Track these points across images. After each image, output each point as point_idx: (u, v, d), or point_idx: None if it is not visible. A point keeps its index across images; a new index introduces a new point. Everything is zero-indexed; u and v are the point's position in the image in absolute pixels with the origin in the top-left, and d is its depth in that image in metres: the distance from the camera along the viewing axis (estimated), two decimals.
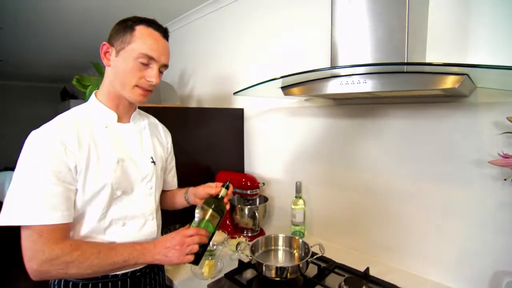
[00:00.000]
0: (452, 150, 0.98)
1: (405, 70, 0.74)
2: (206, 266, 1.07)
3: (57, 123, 0.76)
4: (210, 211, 0.84)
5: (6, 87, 5.00)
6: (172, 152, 1.04)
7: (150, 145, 0.89)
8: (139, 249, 0.75)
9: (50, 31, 2.21)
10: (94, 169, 0.75)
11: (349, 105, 1.23)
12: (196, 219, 0.83)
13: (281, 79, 0.90)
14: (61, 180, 0.71)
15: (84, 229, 0.77)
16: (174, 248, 0.76)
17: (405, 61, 0.73)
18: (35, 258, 0.67)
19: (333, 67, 0.77)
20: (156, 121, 1.01)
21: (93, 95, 0.86)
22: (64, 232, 0.71)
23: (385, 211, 1.14)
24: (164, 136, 1.00)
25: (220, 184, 0.92)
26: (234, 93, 1.13)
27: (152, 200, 0.88)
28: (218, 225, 0.85)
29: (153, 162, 0.88)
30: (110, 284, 0.81)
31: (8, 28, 2.11)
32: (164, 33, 0.82)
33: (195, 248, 0.78)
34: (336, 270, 1.08)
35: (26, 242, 0.69)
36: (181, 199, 1.02)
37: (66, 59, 3.39)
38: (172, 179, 1.08)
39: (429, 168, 1.03)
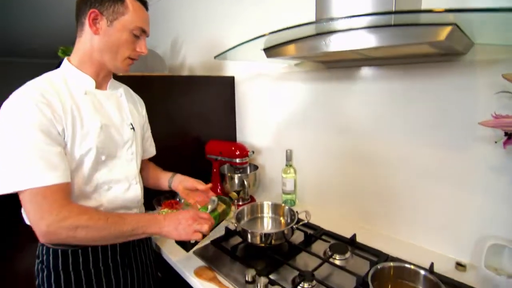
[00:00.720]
0: (446, 113, 0.92)
1: (392, 23, 0.66)
2: None
3: (37, 87, 0.72)
4: (224, 207, 0.87)
5: (5, 63, 4.94)
6: (147, 121, 1.03)
7: (128, 112, 0.89)
8: (148, 218, 0.75)
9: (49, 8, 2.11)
10: (79, 134, 0.74)
11: (339, 68, 1.17)
12: (209, 208, 0.85)
13: (262, 38, 0.83)
14: (54, 140, 0.70)
15: (71, 195, 0.76)
16: (187, 222, 0.77)
17: (393, 10, 0.65)
18: (43, 219, 0.66)
19: (310, 22, 0.70)
20: (130, 89, 1.00)
21: (66, 61, 0.83)
22: (67, 193, 0.70)
23: (376, 177, 1.12)
24: (140, 105, 1.00)
25: (209, 186, 0.97)
26: (215, 57, 1.07)
27: (134, 165, 0.88)
28: (216, 226, 0.86)
29: (133, 128, 0.88)
30: (100, 248, 0.81)
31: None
32: (146, 4, 0.84)
33: (205, 228, 0.78)
34: (323, 237, 1.08)
35: (31, 206, 0.67)
36: (165, 182, 1.02)
37: (62, 33, 3.29)
38: (150, 146, 1.07)
39: (421, 132, 0.98)
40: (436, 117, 0.94)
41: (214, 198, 0.89)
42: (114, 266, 0.84)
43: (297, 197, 1.41)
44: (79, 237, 0.67)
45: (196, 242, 0.82)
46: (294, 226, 0.98)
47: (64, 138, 0.72)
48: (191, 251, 0.97)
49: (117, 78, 0.93)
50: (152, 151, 1.07)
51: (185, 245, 0.84)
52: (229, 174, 1.36)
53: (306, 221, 1.03)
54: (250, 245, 0.98)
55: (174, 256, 0.98)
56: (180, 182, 0.99)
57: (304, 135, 1.33)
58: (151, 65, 1.55)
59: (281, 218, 1.14)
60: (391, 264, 0.78)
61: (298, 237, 1.06)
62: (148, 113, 1.03)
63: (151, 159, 1.09)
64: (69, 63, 0.82)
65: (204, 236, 0.80)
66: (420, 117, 0.97)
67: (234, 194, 0.93)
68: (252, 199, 1.42)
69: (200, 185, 0.97)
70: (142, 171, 0.98)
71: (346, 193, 1.22)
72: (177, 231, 0.76)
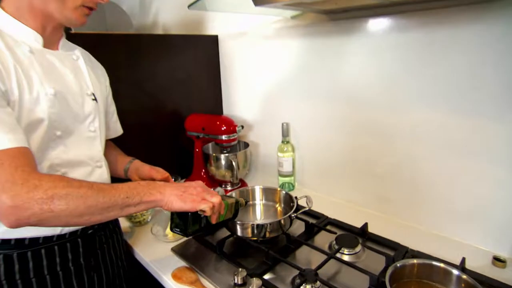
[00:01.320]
0: (480, 72, 0.81)
1: None
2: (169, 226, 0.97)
3: None
4: (233, 201, 0.83)
5: None
6: (111, 94, 0.96)
7: (88, 80, 0.82)
8: (144, 184, 0.69)
9: None
10: (27, 100, 0.66)
11: (346, 19, 1.04)
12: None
13: None
14: (2, 98, 0.62)
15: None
16: (195, 189, 0.73)
17: None
18: (4, 191, 0.56)
19: None
20: (89, 54, 0.91)
21: None
22: (31, 159, 0.62)
23: (391, 154, 1.03)
24: (102, 73, 0.93)
25: (167, 175, 0.91)
26: (189, 6, 0.94)
27: (98, 144, 0.82)
28: (221, 221, 0.80)
29: (95, 99, 0.82)
30: (56, 248, 0.74)
31: None
32: None
33: (216, 199, 0.73)
34: (327, 227, 1.02)
35: None
36: (121, 169, 0.97)
37: None
38: (115, 124, 1.00)
39: (447, 97, 0.88)
40: (467, 77, 0.83)
41: (219, 188, 0.88)
42: (76, 270, 0.77)
43: (296, 180, 1.36)
44: (57, 211, 0.58)
45: (203, 223, 0.75)
46: (293, 215, 0.92)
47: (10, 103, 0.64)
48: (195, 235, 0.91)
49: (68, 38, 0.84)
50: (118, 129, 1.01)
51: (186, 224, 0.74)
52: (214, 155, 1.32)
53: (307, 209, 0.97)
54: (240, 239, 0.93)
55: (148, 256, 0.92)
56: (135, 170, 0.93)
57: (303, 105, 1.25)
58: (112, 22, 1.41)
59: (277, 206, 1.08)
60: (415, 261, 0.70)
61: (297, 228, 1.01)
62: (110, 82, 0.95)
63: (115, 141, 1.02)
64: (2, 11, 0.70)
65: (205, 225, 0.75)
66: (446, 78, 0.87)
67: (241, 200, 0.88)
68: (242, 183, 1.38)
69: (156, 173, 0.90)
70: None
71: (355, 173, 1.16)
72: (182, 198, 0.70)
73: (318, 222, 1.03)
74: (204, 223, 0.75)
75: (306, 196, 0.99)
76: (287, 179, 1.32)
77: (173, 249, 0.93)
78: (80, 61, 0.82)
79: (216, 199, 0.73)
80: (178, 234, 0.75)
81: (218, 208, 0.74)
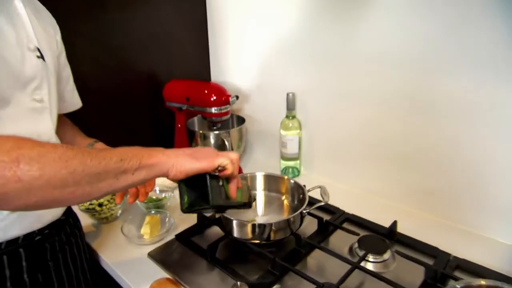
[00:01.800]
0: None
1: None
2: (146, 225, 0.90)
3: None
4: (247, 186, 0.82)
5: None
6: (64, 52, 0.88)
7: (31, 30, 0.72)
8: (140, 147, 0.65)
9: None
10: None
11: None
12: None
13: None
14: None
15: None
16: (206, 150, 0.72)
17: None
18: None
19: None
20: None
21: None
22: None
23: (428, 134, 0.95)
24: (51, 24, 0.84)
25: None
26: None
27: (47, 119, 0.74)
28: (238, 204, 0.77)
29: (41, 57, 0.72)
30: None
31: None
32: None
33: (234, 156, 0.72)
34: (346, 225, 0.94)
35: None
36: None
37: None
38: (72, 94, 0.91)
39: (504, 66, 0.77)
40: None
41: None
42: None
43: (302, 164, 1.27)
44: (28, 180, 0.49)
45: (224, 194, 0.71)
46: (305, 211, 0.83)
47: None
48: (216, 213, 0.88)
49: None
50: (76, 101, 0.94)
51: (205, 194, 0.68)
52: (201, 132, 1.26)
53: (323, 203, 0.87)
54: (236, 241, 0.85)
55: (118, 264, 0.84)
56: None
57: (314, 70, 1.16)
58: None
59: (283, 198, 0.99)
60: (483, 282, 0.60)
61: (308, 227, 0.92)
62: (63, 37, 0.87)
63: (72, 117, 0.94)
64: None
65: (226, 197, 0.73)
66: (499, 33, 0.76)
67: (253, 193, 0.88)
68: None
69: None
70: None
71: (379, 158, 1.07)
72: (193, 158, 0.67)
73: (333, 219, 0.95)
74: (225, 194, 0.71)
75: (320, 187, 0.90)
76: (291, 163, 1.24)
77: (150, 254, 0.84)
78: (21, 8, 0.72)
79: (233, 155, 0.72)
80: (198, 212, 0.73)
81: (237, 163, 0.72)
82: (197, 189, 0.67)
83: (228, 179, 0.73)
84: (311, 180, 1.12)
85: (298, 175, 1.25)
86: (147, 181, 0.65)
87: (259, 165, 1.35)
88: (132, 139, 0.92)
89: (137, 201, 0.79)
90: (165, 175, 0.63)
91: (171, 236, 0.89)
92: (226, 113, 1.22)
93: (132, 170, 0.60)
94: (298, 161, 1.24)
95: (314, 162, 1.25)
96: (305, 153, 1.27)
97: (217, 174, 0.67)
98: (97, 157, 0.56)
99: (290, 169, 1.24)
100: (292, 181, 0.96)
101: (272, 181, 0.99)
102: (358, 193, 1.13)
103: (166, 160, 0.64)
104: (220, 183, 0.69)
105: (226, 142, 1.17)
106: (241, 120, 1.32)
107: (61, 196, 0.53)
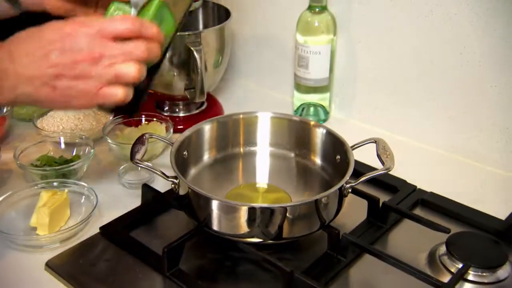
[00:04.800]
0: None
1: None
2: (42, 208, 0.59)
3: None
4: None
5: None
6: None
7: None
8: None
9: None
10: None
11: None
12: (133, 7, 0.54)
13: None
14: None
15: None
16: (81, 65, 0.46)
17: None
18: None
19: None
20: None
21: None
22: None
23: None
24: None
25: None
26: None
27: None
28: (184, 18, 0.59)
29: None
30: None
31: None
32: None
33: (138, 71, 0.47)
34: (420, 212, 0.66)
35: None
36: None
37: None
38: None
39: None
40: None
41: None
42: None
43: (333, 100, 0.91)
44: None
45: (140, 91, 0.52)
46: (347, 186, 0.56)
47: None
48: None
49: None
50: None
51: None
52: None
53: (382, 172, 0.57)
54: (218, 240, 0.59)
55: None
56: None
57: None
58: None
59: (306, 161, 0.70)
60: None
61: (352, 215, 0.64)
62: None
63: None
64: None
65: (154, 68, 0.54)
66: None
67: None
68: (213, 104, 0.96)
69: None
70: None
71: (470, 93, 0.75)
72: (61, 93, 0.46)
73: (397, 200, 0.65)
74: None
75: (375, 141, 0.58)
76: (314, 97, 0.87)
77: (50, 265, 0.55)
78: None
79: (155, 52, 0.48)
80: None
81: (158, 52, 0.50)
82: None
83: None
84: (351, 130, 0.80)
85: (326, 120, 0.89)
86: None
87: (255, 100, 0.98)
88: None
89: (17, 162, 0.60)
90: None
91: (92, 230, 0.58)
92: None
93: None
94: (327, 94, 0.87)
95: (357, 97, 0.90)
96: (339, 80, 0.90)
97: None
98: None
99: (312, 109, 0.87)
100: (323, 129, 0.64)
101: (284, 130, 0.67)
102: (442, 156, 0.81)
103: (14, 97, 0.46)
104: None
105: (196, 56, 0.77)
106: (223, 13, 0.91)
107: None
